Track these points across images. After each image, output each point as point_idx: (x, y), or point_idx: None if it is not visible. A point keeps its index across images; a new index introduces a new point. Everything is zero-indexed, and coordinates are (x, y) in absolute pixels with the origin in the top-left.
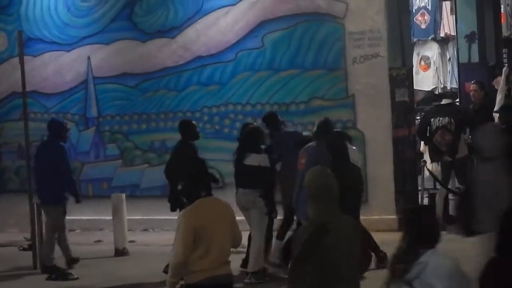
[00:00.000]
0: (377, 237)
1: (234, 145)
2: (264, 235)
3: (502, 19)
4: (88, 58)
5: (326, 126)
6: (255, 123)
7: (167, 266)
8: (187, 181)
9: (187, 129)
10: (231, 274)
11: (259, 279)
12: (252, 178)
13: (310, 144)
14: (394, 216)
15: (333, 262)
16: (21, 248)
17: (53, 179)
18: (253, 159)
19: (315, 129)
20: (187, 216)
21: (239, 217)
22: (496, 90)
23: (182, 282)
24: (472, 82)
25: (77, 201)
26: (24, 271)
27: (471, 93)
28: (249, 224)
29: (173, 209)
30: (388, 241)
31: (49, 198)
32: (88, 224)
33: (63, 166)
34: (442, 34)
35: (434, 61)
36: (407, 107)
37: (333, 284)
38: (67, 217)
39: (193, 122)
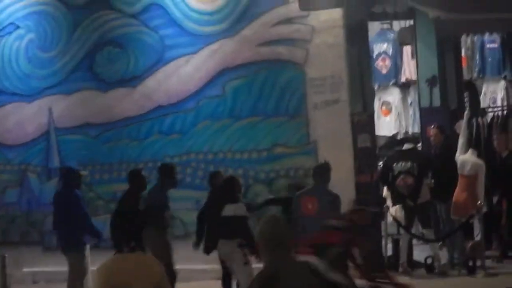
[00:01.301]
0: None
1: (197, 193)
2: (247, 284)
3: (463, 63)
4: (50, 109)
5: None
6: (222, 172)
7: None
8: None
9: (134, 179)
10: None
11: None
12: (229, 229)
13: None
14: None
15: None
16: None
17: (72, 226)
18: (229, 210)
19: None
20: (99, 273)
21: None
22: (458, 134)
23: None
24: (432, 126)
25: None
26: None
27: (431, 137)
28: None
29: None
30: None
31: (71, 245)
32: (52, 275)
33: (81, 212)
34: (403, 79)
35: (395, 106)
36: (369, 153)
37: None
38: (29, 270)
39: (142, 172)
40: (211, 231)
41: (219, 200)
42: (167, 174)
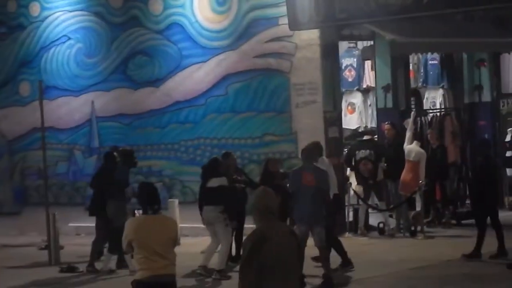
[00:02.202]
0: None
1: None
2: (230, 241)
3: (410, 75)
4: (92, 102)
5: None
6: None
7: None
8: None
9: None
10: (173, 274)
11: (223, 277)
12: (213, 197)
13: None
14: None
15: (271, 263)
16: (39, 248)
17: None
18: (213, 182)
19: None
20: (126, 228)
21: None
22: (405, 129)
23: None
24: (386, 123)
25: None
26: (41, 266)
27: (385, 131)
28: (211, 236)
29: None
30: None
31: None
32: (90, 229)
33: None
34: (364, 86)
35: (358, 106)
36: (337, 142)
37: (271, 281)
38: (74, 225)
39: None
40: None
41: (206, 175)
42: (127, 157)
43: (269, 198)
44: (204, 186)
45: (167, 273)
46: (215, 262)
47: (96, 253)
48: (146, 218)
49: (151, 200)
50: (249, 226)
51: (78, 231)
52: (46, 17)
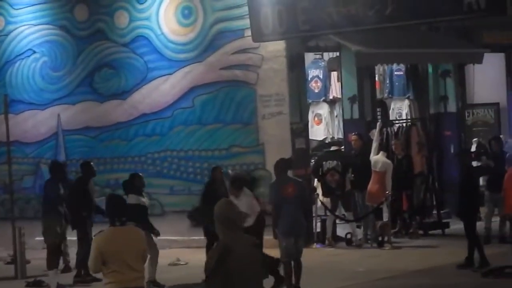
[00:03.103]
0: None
1: (172, 181)
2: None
3: (376, 86)
4: (58, 115)
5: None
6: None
7: None
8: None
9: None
10: (142, 286)
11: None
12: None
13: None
14: None
15: (235, 274)
16: (5, 262)
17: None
18: (131, 198)
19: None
20: (95, 242)
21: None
22: (372, 140)
23: None
24: (353, 133)
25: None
26: (8, 280)
27: (352, 142)
28: None
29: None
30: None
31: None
32: None
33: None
34: (331, 97)
35: (325, 117)
36: (304, 153)
37: None
38: (40, 239)
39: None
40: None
41: (125, 191)
42: (58, 171)
43: (230, 210)
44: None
45: (137, 286)
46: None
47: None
48: (115, 230)
49: (119, 212)
50: None
51: (45, 245)
52: (11, 31)
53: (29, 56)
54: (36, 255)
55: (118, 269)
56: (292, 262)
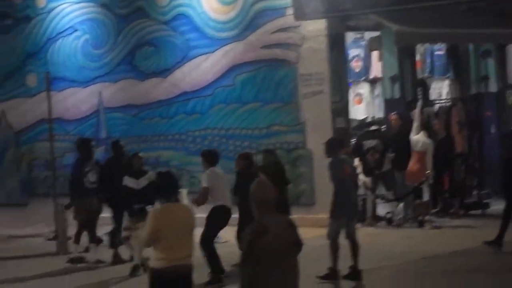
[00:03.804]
0: (321, 231)
1: None
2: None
3: (417, 65)
4: (99, 93)
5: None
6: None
7: None
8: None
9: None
10: (190, 265)
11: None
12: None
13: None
14: None
15: (273, 254)
16: (47, 238)
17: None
18: (126, 180)
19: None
20: (153, 217)
21: None
22: (412, 120)
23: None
24: (393, 113)
25: None
26: (49, 257)
27: (392, 121)
28: None
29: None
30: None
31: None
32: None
33: None
34: (371, 76)
35: (365, 97)
36: (345, 132)
37: (273, 270)
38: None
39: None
40: None
41: (122, 174)
42: (83, 148)
43: (265, 190)
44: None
45: (186, 264)
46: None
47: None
48: (170, 207)
49: (173, 188)
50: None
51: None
52: (53, 9)
53: (70, 34)
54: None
55: (170, 245)
56: (349, 242)
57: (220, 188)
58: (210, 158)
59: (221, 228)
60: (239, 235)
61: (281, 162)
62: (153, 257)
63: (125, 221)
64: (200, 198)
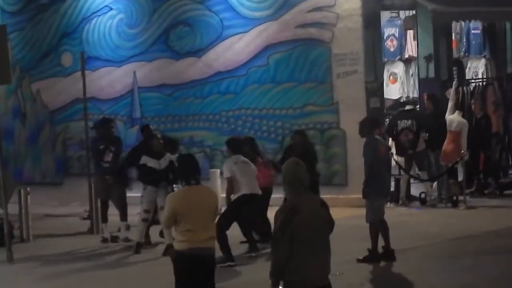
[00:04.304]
0: (353, 212)
1: None
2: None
3: (453, 44)
4: (134, 72)
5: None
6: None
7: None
8: (179, 171)
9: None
10: (213, 247)
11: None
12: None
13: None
14: None
15: (303, 235)
16: (82, 218)
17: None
18: (144, 159)
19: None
20: (171, 200)
21: None
22: (448, 99)
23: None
24: (426, 93)
25: None
26: (84, 235)
27: (425, 101)
28: None
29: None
30: (361, 214)
31: None
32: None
33: None
34: (406, 56)
35: (400, 76)
36: (379, 112)
37: (303, 252)
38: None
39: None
40: None
41: (139, 153)
42: (102, 127)
43: (299, 170)
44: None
45: (208, 246)
46: None
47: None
48: (190, 189)
49: (193, 171)
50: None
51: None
52: None
53: (105, 13)
54: (112, 211)
55: (191, 227)
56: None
57: (243, 176)
58: (234, 145)
59: (249, 216)
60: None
61: (310, 143)
62: (176, 239)
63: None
64: (227, 189)
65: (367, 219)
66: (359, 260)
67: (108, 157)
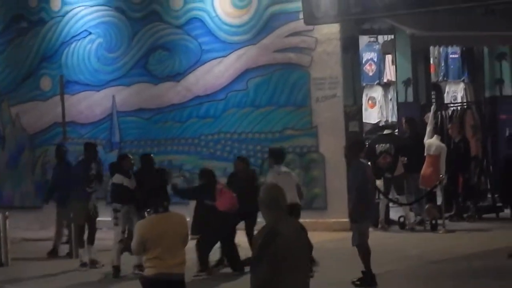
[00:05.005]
0: (333, 235)
1: (225, 164)
2: (117, 240)
3: (431, 69)
4: (113, 96)
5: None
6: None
7: None
8: (147, 198)
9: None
10: (181, 273)
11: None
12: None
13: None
14: (347, 219)
15: (283, 257)
16: (61, 242)
17: None
18: (117, 178)
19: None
20: (139, 228)
21: None
22: (426, 123)
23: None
24: (404, 117)
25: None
26: (63, 260)
27: (404, 125)
28: None
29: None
30: (340, 238)
31: None
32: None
33: None
34: (385, 80)
35: (378, 101)
36: (358, 136)
37: (286, 273)
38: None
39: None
40: None
41: (112, 171)
42: (90, 151)
43: (276, 193)
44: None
45: (176, 272)
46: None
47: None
48: (158, 217)
49: (161, 198)
50: None
51: (100, 225)
52: (67, 12)
53: (84, 37)
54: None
55: (159, 255)
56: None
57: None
58: (275, 155)
59: None
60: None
61: (253, 169)
62: (145, 265)
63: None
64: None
65: (354, 242)
66: (355, 284)
67: (93, 182)
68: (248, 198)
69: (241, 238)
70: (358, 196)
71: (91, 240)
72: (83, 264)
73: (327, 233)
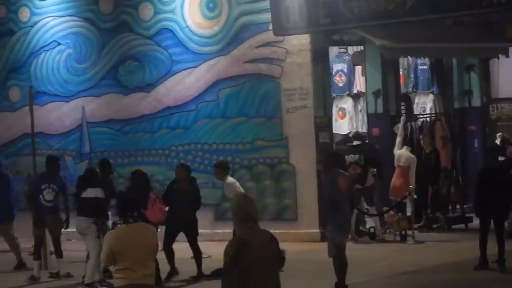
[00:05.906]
0: (304, 246)
1: (196, 175)
2: (98, 254)
3: (400, 80)
4: (83, 107)
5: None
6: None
7: None
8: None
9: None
10: (150, 284)
11: None
12: (87, 208)
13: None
14: (317, 230)
15: (253, 268)
16: (29, 253)
17: None
18: (89, 192)
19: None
20: (108, 239)
21: None
22: (396, 134)
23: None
24: (375, 128)
25: None
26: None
27: (374, 136)
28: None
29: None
30: (312, 249)
31: None
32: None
33: None
34: (355, 91)
35: (349, 112)
36: (328, 147)
37: (256, 283)
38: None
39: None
40: None
41: (82, 185)
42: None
43: (247, 203)
44: (79, 196)
45: (145, 283)
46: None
47: None
48: (127, 228)
49: (130, 209)
50: None
51: (69, 237)
52: (36, 23)
53: (54, 48)
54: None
55: (128, 266)
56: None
57: None
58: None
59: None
60: None
61: (194, 177)
62: (114, 276)
63: None
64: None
65: (329, 253)
66: None
67: (49, 196)
68: (184, 209)
69: (210, 249)
70: (329, 207)
71: (58, 253)
72: (31, 278)
73: (297, 243)
